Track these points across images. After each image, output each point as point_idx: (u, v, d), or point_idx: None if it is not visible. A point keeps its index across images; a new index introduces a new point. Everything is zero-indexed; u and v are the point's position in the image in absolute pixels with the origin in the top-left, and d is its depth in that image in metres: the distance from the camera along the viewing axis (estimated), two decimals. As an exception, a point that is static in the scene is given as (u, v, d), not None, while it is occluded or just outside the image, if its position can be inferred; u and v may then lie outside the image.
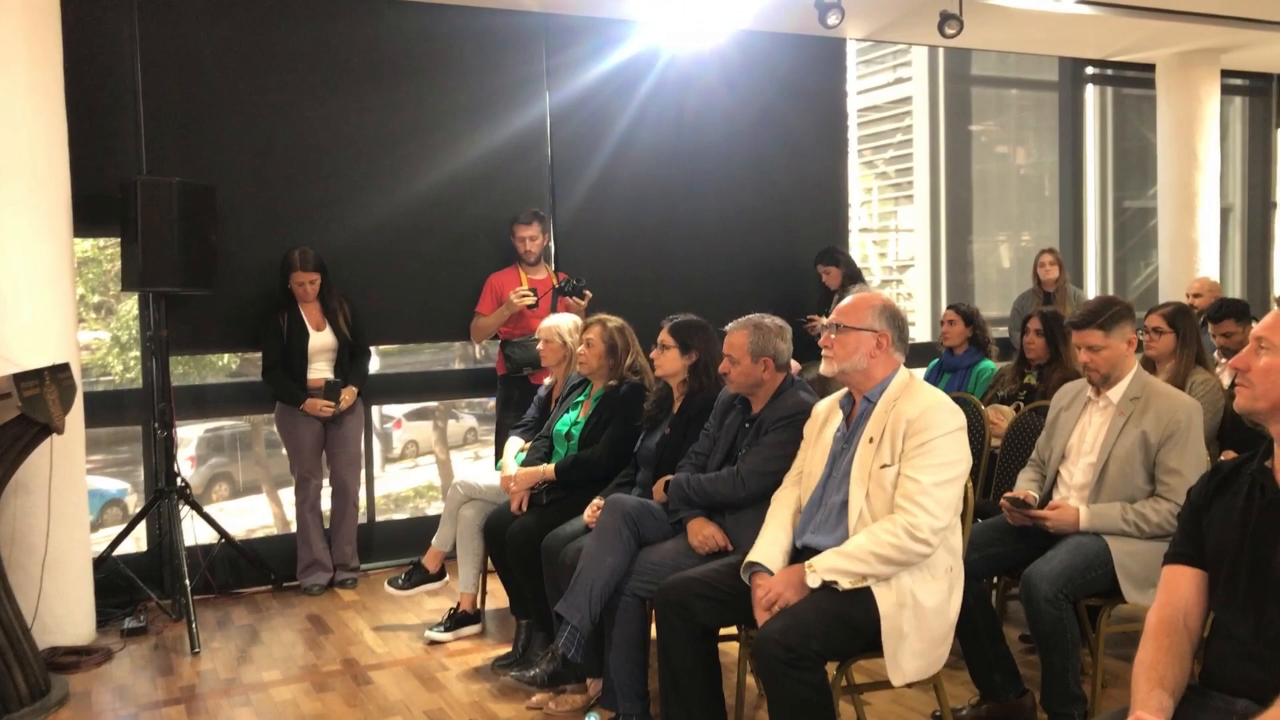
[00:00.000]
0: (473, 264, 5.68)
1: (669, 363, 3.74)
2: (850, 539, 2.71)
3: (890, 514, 2.70)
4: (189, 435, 9.50)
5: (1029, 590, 3.05)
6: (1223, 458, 3.84)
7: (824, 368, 2.93)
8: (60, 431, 3.89)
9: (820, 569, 2.68)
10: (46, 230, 4.33)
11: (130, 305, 6.21)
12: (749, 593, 2.82)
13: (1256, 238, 8.87)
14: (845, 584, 2.66)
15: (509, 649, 4.15)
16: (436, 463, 11.27)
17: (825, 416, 3.02)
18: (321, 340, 5.18)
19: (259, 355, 5.24)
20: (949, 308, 5.45)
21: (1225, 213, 8.42)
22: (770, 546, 2.89)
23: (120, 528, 5.05)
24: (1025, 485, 3.52)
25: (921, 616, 2.69)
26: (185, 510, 4.85)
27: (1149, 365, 4.32)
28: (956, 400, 2.94)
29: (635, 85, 6.13)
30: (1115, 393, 3.36)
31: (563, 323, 4.55)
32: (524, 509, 4.06)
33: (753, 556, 2.87)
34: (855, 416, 2.90)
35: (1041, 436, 3.62)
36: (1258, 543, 1.92)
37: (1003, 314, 7.29)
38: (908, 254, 10.65)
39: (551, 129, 5.97)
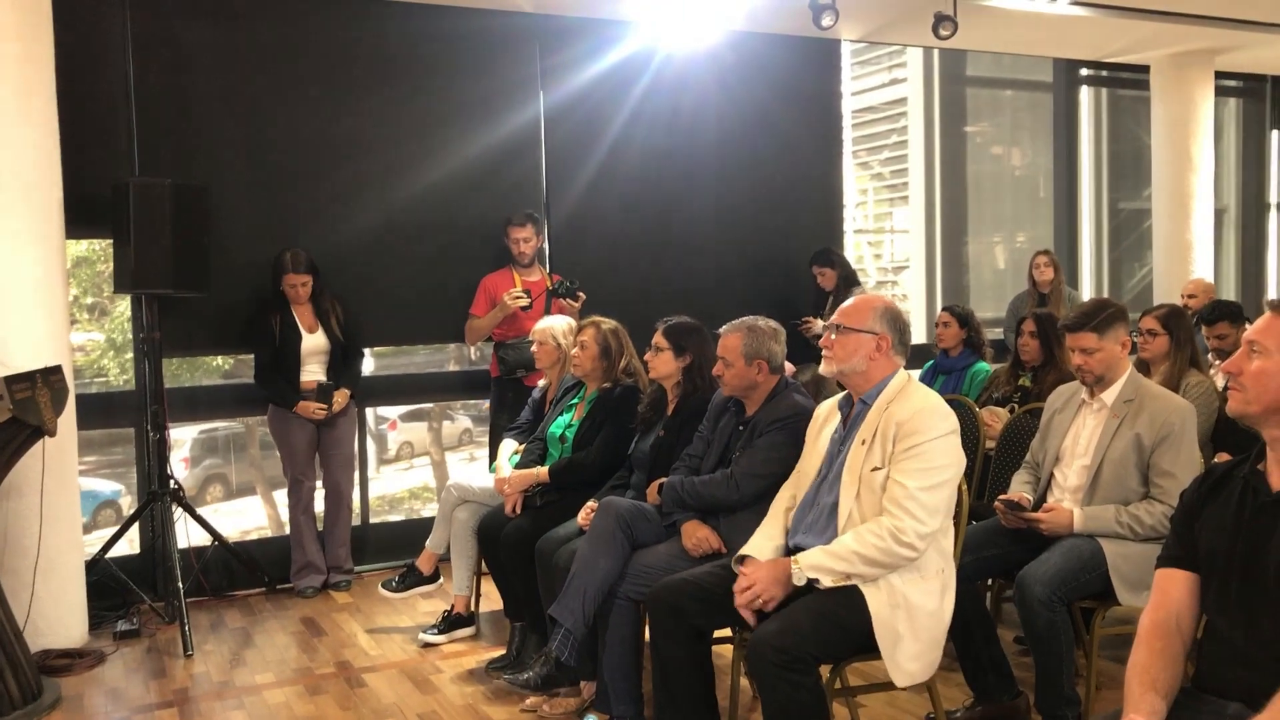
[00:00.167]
0: (467, 265, 5.67)
1: (663, 365, 3.73)
2: (838, 538, 2.72)
3: (879, 516, 2.70)
4: (183, 436, 9.49)
5: (1023, 592, 3.05)
6: (1216, 459, 3.85)
7: (823, 368, 2.94)
8: (52, 434, 3.88)
9: (805, 565, 2.69)
10: (38, 232, 4.31)
11: (125, 306, 6.20)
12: None
13: (1251, 239, 8.89)
14: (827, 581, 2.67)
15: (503, 652, 4.14)
16: (431, 464, 11.27)
17: (825, 418, 3.03)
18: (314, 342, 5.16)
19: (252, 357, 5.23)
20: (944, 309, 5.44)
21: (1220, 214, 8.44)
22: (763, 542, 2.92)
23: (114, 529, 5.04)
24: (1020, 487, 3.52)
25: (915, 618, 2.69)
26: (178, 512, 4.84)
27: (1143, 367, 4.32)
28: (951, 402, 2.94)
29: (630, 87, 6.12)
30: (1109, 395, 3.36)
31: (557, 325, 4.55)
32: (518, 511, 4.05)
33: (744, 550, 2.91)
34: (851, 418, 2.91)
35: (1036, 439, 3.62)
36: (1250, 546, 1.92)
37: (998, 315, 7.30)
38: (903, 255, 10.64)
39: (546, 130, 5.96)
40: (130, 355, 5.76)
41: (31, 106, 4.29)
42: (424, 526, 4.76)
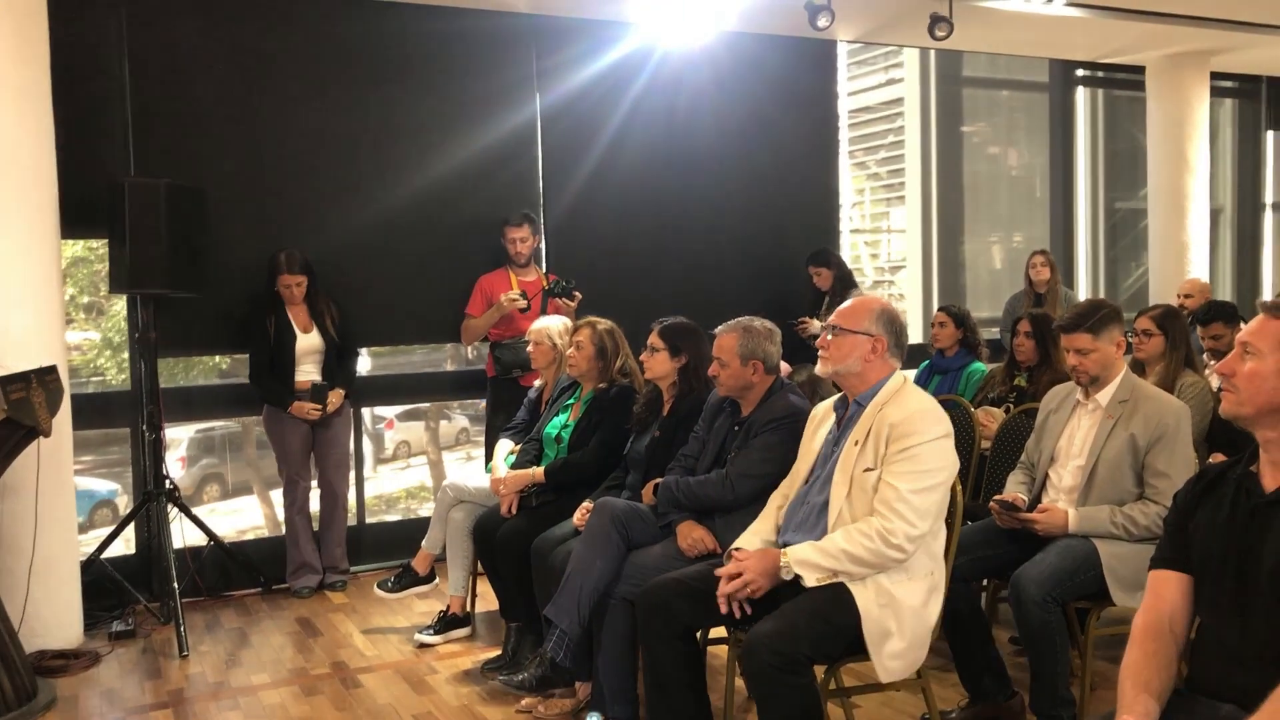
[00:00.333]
0: (463, 265, 5.67)
1: (659, 365, 3.73)
2: (828, 535, 2.74)
3: (869, 516, 2.71)
4: (180, 436, 9.48)
5: (1018, 593, 3.05)
6: (1211, 460, 3.85)
7: (819, 368, 2.95)
8: (47, 434, 3.88)
9: (794, 559, 2.71)
10: (34, 232, 4.31)
11: (121, 306, 6.19)
12: None
13: (1246, 239, 8.90)
14: (813, 579, 2.68)
15: (498, 652, 4.14)
16: (428, 463, 11.26)
17: (821, 418, 3.04)
18: (309, 342, 5.16)
19: (247, 357, 5.22)
20: (940, 309, 5.44)
21: (1215, 214, 8.45)
22: (753, 539, 2.94)
23: (110, 529, 5.03)
24: (1014, 488, 3.52)
25: (902, 616, 2.70)
26: (174, 512, 4.84)
27: (1138, 368, 4.32)
28: (946, 402, 2.95)
29: (626, 87, 6.12)
30: (1104, 395, 3.36)
31: (553, 325, 4.54)
32: (513, 512, 4.05)
33: (736, 543, 2.93)
34: (846, 419, 2.92)
35: (1030, 439, 3.63)
36: (1243, 547, 1.92)
37: (994, 315, 7.30)
38: (899, 255, 10.66)
39: (542, 131, 5.96)
40: (126, 355, 5.76)
41: (27, 106, 4.28)
42: (420, 526, 4.76)
